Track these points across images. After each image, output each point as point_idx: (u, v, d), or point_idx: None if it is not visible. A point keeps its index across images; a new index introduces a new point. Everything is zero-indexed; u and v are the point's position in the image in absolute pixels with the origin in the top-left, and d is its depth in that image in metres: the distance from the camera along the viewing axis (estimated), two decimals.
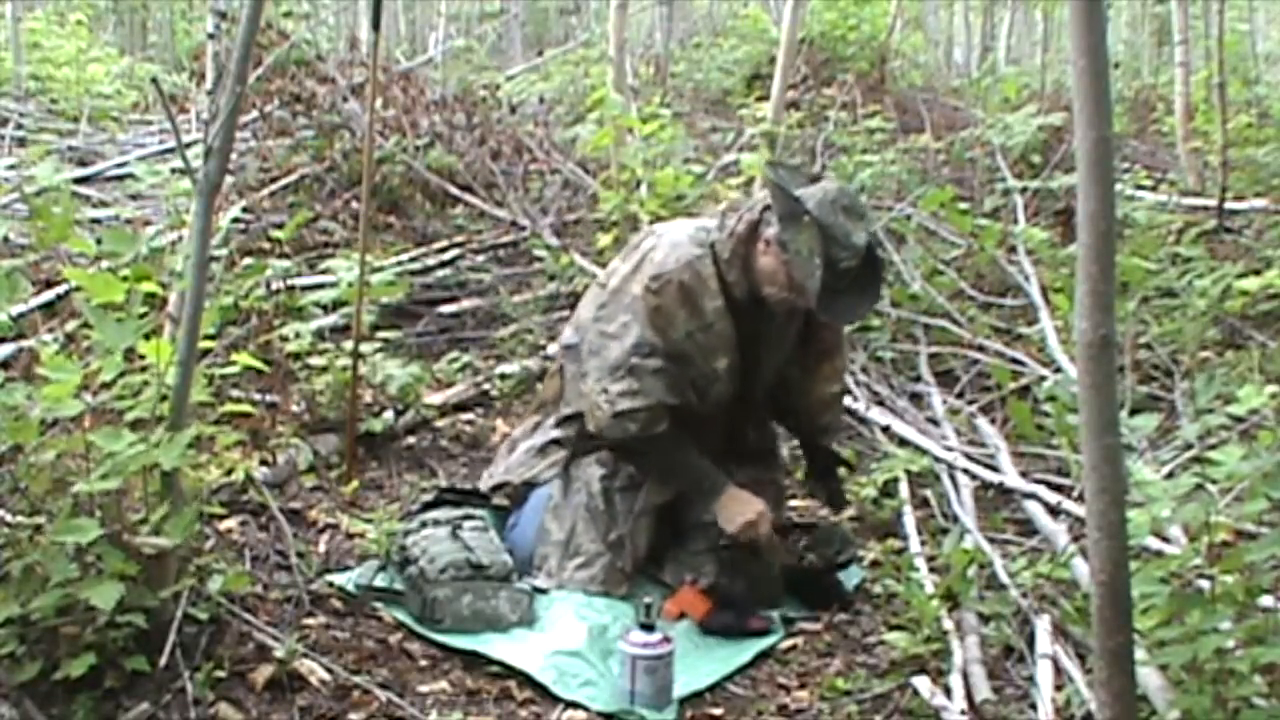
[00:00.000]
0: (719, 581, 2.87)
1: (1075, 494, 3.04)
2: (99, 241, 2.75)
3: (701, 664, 2.65)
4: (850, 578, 3.05)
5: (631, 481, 2.98)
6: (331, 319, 4.27)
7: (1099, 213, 1.72)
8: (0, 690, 2.15)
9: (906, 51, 11.47)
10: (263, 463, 3.33)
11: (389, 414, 3.78)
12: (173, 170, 4.97)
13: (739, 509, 2.90)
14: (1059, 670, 2.44)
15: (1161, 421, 3.02)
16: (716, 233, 2.94)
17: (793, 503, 3.51)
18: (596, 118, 5.47)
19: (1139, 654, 1.92)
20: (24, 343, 3.52)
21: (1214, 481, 2.13)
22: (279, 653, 2.38)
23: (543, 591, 2.84)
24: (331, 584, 2.79)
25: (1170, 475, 2.64)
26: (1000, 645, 2.64)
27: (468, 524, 2.90)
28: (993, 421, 3.88)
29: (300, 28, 8.61)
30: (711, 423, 3.04)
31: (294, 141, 6.32)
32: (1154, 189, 6.38)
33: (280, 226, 4.79)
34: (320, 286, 4.26)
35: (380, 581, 2.80)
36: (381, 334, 4.09)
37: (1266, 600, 2.10)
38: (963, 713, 2.37)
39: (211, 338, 3.07)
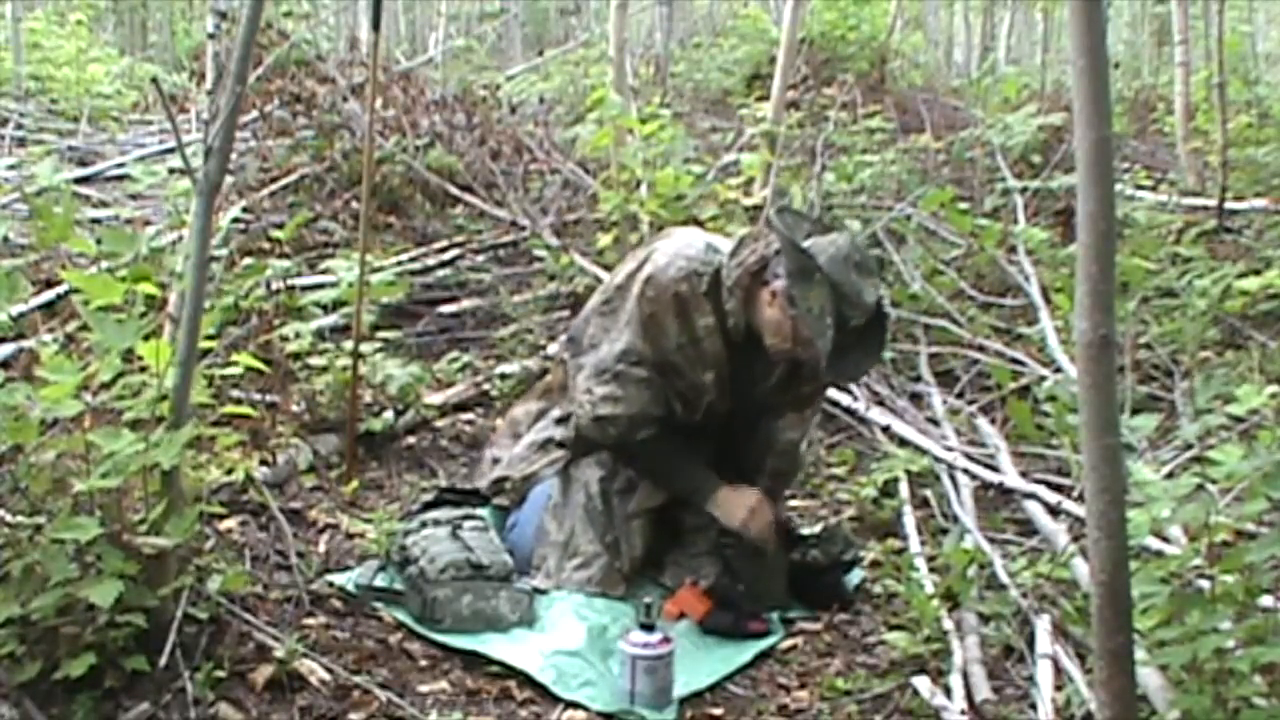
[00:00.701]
0: (719, 583, 2.87)
1: (1075, 494, 3.04)
2: (99, 242, 2.76)
3: (701, 664, 2.65)
4: (850, 578, 3.05)
5: (630, 484, 2.98)
6: (331, 319, 4.26)
7: (1099, 213, 1.72)
8: (0, 690, 2.15)
9: (906, 51, 11.48)
10: (263, 463, 3.33)
11: (389, 414, 3.78)
12: (170, 170, 4.98)
13: (738, 502, 2.90)
14: (1059, 670, 2.44)
15: (1161, 421, 3.02)
16: (727, 258, 2.90)
17: (792, 502, 3.51)
18: (596, 118, 5.46)
19: (1139, 654, 1.92)
20: (24, 343, 3.52)
21: (1214, 481, 2.13)
22: (279, 653, 2.38)
23: (542, 592, 2.84)
24: (331, 584, 2.79)
25: (1170, 475, 2.64)
26: (1000, 645, 2.64)
27: (468, 524, 2.90)
28: (993, 421, 3.88)
29: (300, 28, 8.61)
30: (704, 437, 3.03)
31: (294, 141, 6.32)
32: (1154, 189, 6.38)
33: (280, 226, 4.79)
34: (320, 286, 4.26)
35: (380, 581, 2.80)
36: (381, 334, 4.09)
37: (1266, 600, 2.10)
38: (963, 713, 2.37)
39: (211, 338, 3.06)
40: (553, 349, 4.44)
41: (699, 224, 4.64)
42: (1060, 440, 3.49)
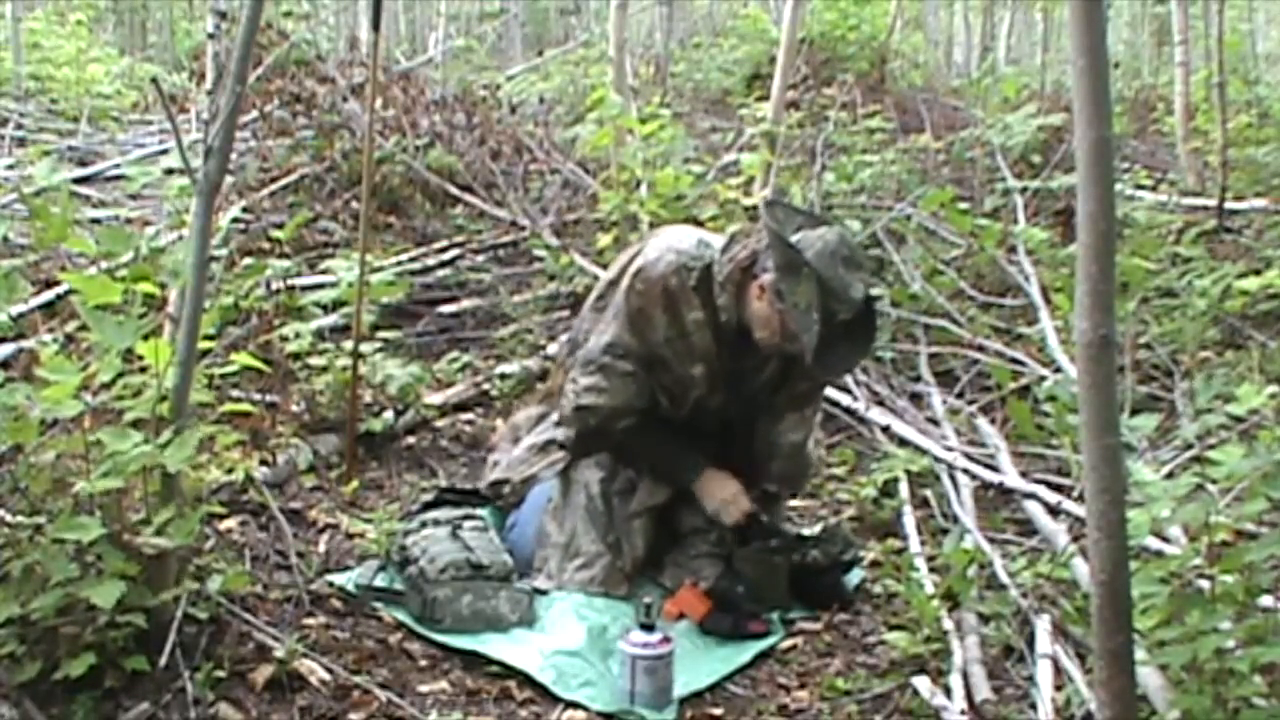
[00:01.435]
0: (719, 584, 2.87)
1: (1075, 494, 3.04)
2: (98, 242, 2.76)
3: (701, 664, 2.65)
4: (850, 578, 3.05)
5: (630, 484, 2.99)
6: (331, 319, 4.27)
7: (1099, 213, 1.72)
8: (0, 690, 2.15)
9: (906, 51, 11.48)
10: (263, 463, 3.33)
11: (389, 414, 3.78)
12: (167, 170, 4.98)
13: (718, 488, 2.94)
14: (1059, 670, 2.43)
15: (1161, 421, 3.02)
16: (719, 253, 2.90)
17: (792, 502, 3.51)
18: (596, 118, 5.46)
19: (1139, 654, 1.92)
20: (24, 343, 3.52)
21: (1214, 481, 2.13)
22: (279, 653, 2.38)
23: (542, 592, 2.84)
24: (331, 584, 2.79)
25: (1170, 475, 2.63)
26: (1000, 645, 2.64)
27: (468, 524, 2.91)
28: (993, 421, 3.88)
29: (300, 28, 8.61)
30: (705, 438, 3.02)
31: (294, 141, 6.32)
32: (1154, 189, 6.38)
33: (280, 226, 4.79)
34: (320, 286, 4.26)
35: (380, 581, 2.80)
36: (381, 334, 4.09)
37: (1266, 600, 2.10)
38: (963, 713, 2.36)
39: (211, 338, 3.06)
40: (553, 349, 4.44)
41: (698, 224, 4.65)
42: (1060, 440, 3.49)
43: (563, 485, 3.01)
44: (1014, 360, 4.21)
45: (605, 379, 2.91)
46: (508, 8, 15.43)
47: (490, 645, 2.62)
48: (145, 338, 2.32)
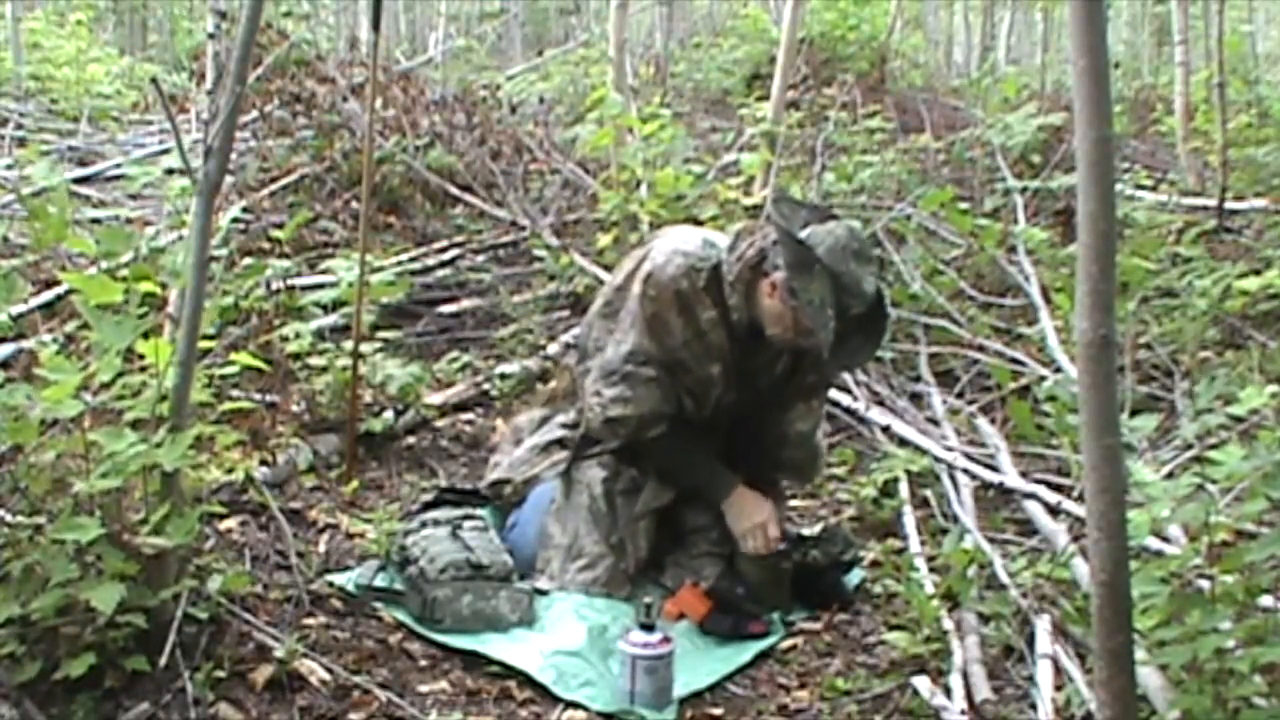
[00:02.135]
0: (720, 585, 2.87)
1: (1075, 494, 3.04)
2: (98, 242, 2.76)
3: (701, 664, 2.65)
4: (850, 578, 3.05)
5: (633, 484, 2.98)
6: (331, 319, 4.27)
7: (1099, 213, 1.72)
8: (0, 690, 2.15)
9: (906, 51, 11.49)
10: (263, 463, 3.32)
11: (389, 414, 3.77)
12: (167, 170, 4.98)
13: (749, 509, 2.90)
14: (1059, 670, 2.43)
15: (1161, 421, 3.02)
16: (726, 252, 2.90)
17: (792, 502, 3.51)
18: (596, 118, 5.47)
19: (1139, 654, 1.92)
20: (24, 343, 3.52)
21: (1214, 481, 2.13)
22: (279, 653, 2.38)
23: (543, 592, 2.84)
24: (331, 584, 2.79)
25: (1170, 475, 2.64)
26: (1000, 645, 2.64)
27: (468, 524, 2.90)
28: (993, 421, 3.88)
29: (300, 28, 8.63)
30: (716, 433, 3.03)
31: (294, 141, 6.32)
32: (1154, 189, 6.39)
33: (280, 226, 4.79)
34: (320, 286, 4.27)
35: (380, 581, 2.80)
36: (381, 334, 4.09)
37: (1266, 600, 2.10)
38: (963, 713, 2.36)
39: (211, 338, 3.06)
40: (553, 349, 4.45)
41: (698, 224, 4.65)
42: (1060, 440, 3.49)
43: (565, 486, 3.01)
44: (1014, 360, 4.21)
45: (630, 388, 2.90)
46: (508, 8, 15.44)
47: (490, 645, 2.62)
48: (145, 337, 2.32)
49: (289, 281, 4.15)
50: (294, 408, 3.67)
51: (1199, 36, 8.45)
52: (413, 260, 5.16)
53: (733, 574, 2.90)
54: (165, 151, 6.78)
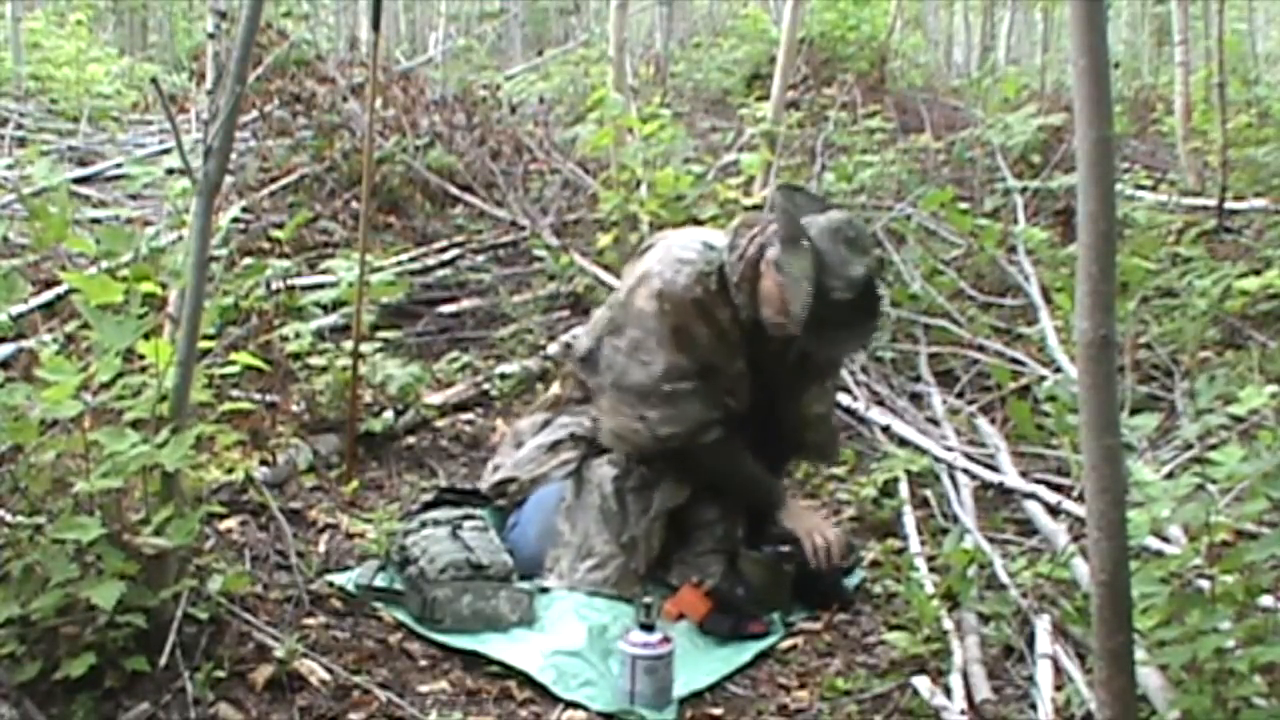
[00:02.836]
0: (720, 585, 2.86)
1: (1075, 494, 3.04)
2: (98, 242, 2.75)
3: (701, 664, 2.65)
4: (850, 578, 3.05)
5: (644, 482, 2.98)
6: (331, 319, 4.27)
7: (1099, 213, 1.72)
8: (0, 690, 2.15)
9: (906, 51, 11.48)
10: (263, 463, 3.33)
11: (389, 414, 3.78)
12: (168, 170, 4.98)
13: (805, 513, 3.06)
14: (1059, 670, 2.43)
15: (1161, 421, 3.02)
16: (727, 252, 2.92)
17: None
18: (596, 118, 5.47)
19: (1139, 654, 1.92)
20: (24, 343, 3.52)
21: (1214, 481, 2.13)
22: (279, 653, 2.38)
23: (544, 591, 2.84)
24: (331, 584, 2.79)
25: (1170, 475, 2.64)
26: (1000, 645, 2.64)
27: (468, 524, 2.90)
28: (993, 421, 3.88)
29: (300, 28, 8.62)
30: (744, 428, 3.03)
31: (294, 141, 6.33)
32: (1154, 189, 6.38)
33: (280, 226, 4.80)
34: (320, 286, 4.27)
35: (380, 581, 2.80)
36: (381, 334, 4.09)
37: (1266, 600, 2.10)
38: (963, 713, 2.36)
39: (211, 338, 3.06)
40: (553, 349, 4.44)
41: (698, 224, 4.65)
42: (1060, 440, 3.49)
43: (576, 484, 3.00)
44: (1014, 360, 4.21)
45: (674, 406, 2.90)
46: (508, 8, 15.44)
47: (490, 645, 2.62)
48: (145, 337, 2.32)
49: (289, 281, 4.15)
50: (294, 408, 3.67)
51: (1199, 36, 8.46)
52: (413, 260, 5.16)
53: (734, 574, 2.90)
54: (165, 151, 6.78)
